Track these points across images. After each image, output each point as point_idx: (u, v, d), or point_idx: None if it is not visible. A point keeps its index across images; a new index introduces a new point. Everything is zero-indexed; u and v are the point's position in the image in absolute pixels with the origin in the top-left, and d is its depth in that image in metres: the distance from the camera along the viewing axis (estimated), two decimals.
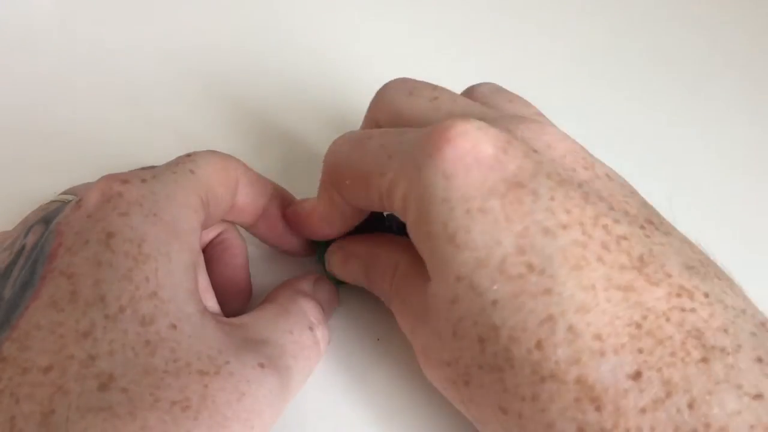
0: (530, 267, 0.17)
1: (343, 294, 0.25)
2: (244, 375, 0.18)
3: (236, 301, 0.21)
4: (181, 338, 0.17)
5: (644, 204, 0.19)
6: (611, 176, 0.19)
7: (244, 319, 0.20)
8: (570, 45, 0.40)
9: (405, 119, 0.22)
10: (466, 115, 0.20)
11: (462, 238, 0.17)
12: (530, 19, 0.42)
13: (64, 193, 0.23)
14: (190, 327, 0.18)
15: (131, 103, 0.33)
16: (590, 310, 0.16)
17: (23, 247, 0.20)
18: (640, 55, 0.40)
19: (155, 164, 0.22)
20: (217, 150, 0.22)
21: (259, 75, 0.35)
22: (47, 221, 0.20)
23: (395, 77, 0.24)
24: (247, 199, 0.23)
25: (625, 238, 0.17)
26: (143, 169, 0.21)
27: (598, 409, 0.16)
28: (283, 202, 0.24)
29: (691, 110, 0.37)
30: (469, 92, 0.23)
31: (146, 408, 0.16)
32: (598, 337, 0.16)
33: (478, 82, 0.24)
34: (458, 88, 0.24)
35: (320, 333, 0.21)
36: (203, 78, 0.34)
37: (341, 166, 0.21)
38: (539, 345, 0.16)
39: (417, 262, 0.20)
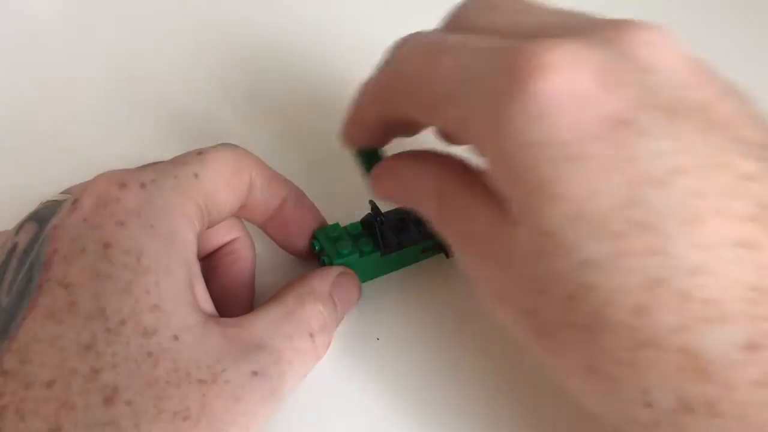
0: (635, 223, 0.14)
1: None
2: (238, 382, 0.18)
3: (235, 313, 0.21)
4: (183, 348, 0.18)
5: None
6: (731, 91, 0.16)
7: (247, 319, 0.20)
8: None
9: None
10: (556, 35, 0.16)
11: (554, 189, 0.15)
12: None
13: (63, 193, 0.23)
14: (192, 337, 0.18)
15: (132, 101, 0.33)
16: (704, 273, 0.14)
17: (15, 246, 0.19)
18: None
19: (155, 162, 0.22)
20: (234, 144, 0.22)
21: (264, 69, 0.35)
22: (39, 220, 0.20)
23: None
24: (260, 201, 0.22)
25: (751, 178, 0.14)
26: (145, 167, 0.21)
27: (703, 380, 0.14)
28: (297, 205, 0.24)
29: None
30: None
31: (150, 420, 0.16)
32: (709, 302, 0.14)
33: None
34: None
35: (320, 340, 0.21)
36: (206, 75, 0.34)
37: (407, 80, 0.19)
38: (640, 309, 0.14)
39: (470, 191, 0.18)
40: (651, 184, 0.14)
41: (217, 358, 0.18)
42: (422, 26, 0.20)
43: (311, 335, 0.20)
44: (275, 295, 0.22)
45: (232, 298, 0.23)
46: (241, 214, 0.23)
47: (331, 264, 0.24)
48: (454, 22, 0.20)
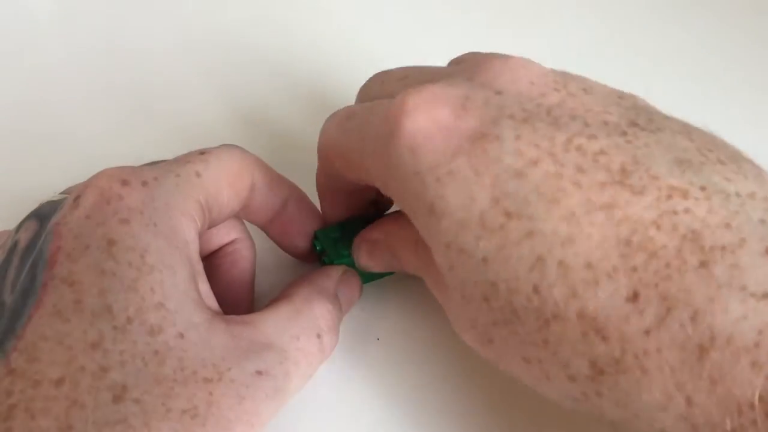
0: (508, 214, 0.16)
1: None
2: (243, 381, 0.18)
3: (234, 314, 0.21)
4: (189, 346, 0.18)
5: (632, 106, 0.19)
6: (590, 89, 0.19)
7: (254, 317, 0.20)
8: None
9: None
10: (423, 84, 0.19)
11: (439, 207, 0.17)
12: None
13: (62, 193, 0.22)
14: (197, 335, 0.18)
15: (131, 101, 0.33)
16: (575, 240, 0.16)
17: (16, 244, 0.19)
18: None
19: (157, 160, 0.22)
20: (236, 145, 0.22)
21: (266, 71, 0.35)
22: (40, 217, 0.20)
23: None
24: (261, 201, 0.23)
25: (602, 152, 0.17)
26: (147, 165, 0.21)
27: (605, 339, 0.15)
28: (298, 206, 0.24)
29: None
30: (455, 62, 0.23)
31: (159, 418, 0.16)
32: (588, 265, 0.15)
33: None
34: None
35: (327, 340, 0.21)
36: (208, 76, 0.34)
37: (329, 148, 0.22)
38: (536, 289, 0.16)
39: None
40: (513, 178, 0.17)
41: (222, 356, 0.18)
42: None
43: (319, 335, 0.20)
44: (282, 294, 0.22)
45: (232, 298, 0.23)
46: (242, 214, 0.23)
47: (332, 264, 0.24)
48: (361, 99, 0.24)
